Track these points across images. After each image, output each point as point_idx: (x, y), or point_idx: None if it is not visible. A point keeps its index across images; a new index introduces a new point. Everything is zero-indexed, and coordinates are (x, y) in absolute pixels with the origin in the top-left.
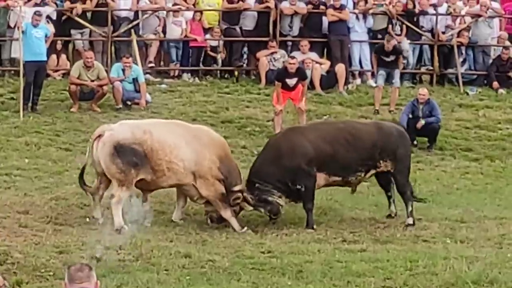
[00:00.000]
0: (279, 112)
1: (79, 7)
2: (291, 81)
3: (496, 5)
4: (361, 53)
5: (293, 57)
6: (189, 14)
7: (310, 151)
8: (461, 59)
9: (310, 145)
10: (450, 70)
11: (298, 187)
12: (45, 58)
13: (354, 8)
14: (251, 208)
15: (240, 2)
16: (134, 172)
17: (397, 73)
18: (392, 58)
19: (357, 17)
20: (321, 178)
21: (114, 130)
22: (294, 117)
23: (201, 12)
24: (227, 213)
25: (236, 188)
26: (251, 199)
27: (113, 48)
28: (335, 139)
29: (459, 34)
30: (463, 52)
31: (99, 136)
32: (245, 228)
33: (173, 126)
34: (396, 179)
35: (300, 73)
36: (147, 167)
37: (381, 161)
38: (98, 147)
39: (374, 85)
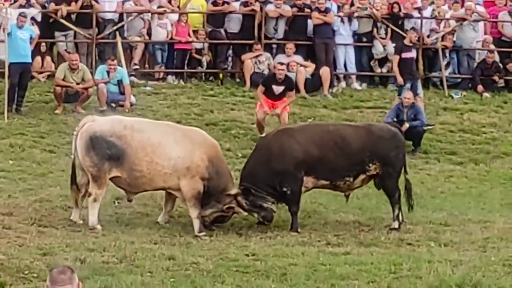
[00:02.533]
0: (261, 119)
1: (64, 9)
2: (278, 89)
3: (481, 8)
4: (346, 56)
5: (282, 63)
6: (174, 17)
7: (299, 154)
8: (445, 63)
9: (299, 148)
10: (434, 74)
11: (284, 189)
12: (30, 60)
13: (339, 11)
14: (245, 213)
15: (225, 5)
16: (107, 167)
17: (419, 83)
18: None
19: (342, 20)
20: (309, 181)
21: (95, 122)
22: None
23: (186, 14)
24: (195, 213)
25: (232, 192)
26: (246, 204)
27: (97, 50)
28: (324, 143)
29: (443, 38)
30: (448, 55)
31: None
32: (204, 233)
33: (161, 125)
34: (384, 182)
35: (288, 82)
36: (124, 164)
37: (370, 164)
38: (77, 138)
39: (359, 88)
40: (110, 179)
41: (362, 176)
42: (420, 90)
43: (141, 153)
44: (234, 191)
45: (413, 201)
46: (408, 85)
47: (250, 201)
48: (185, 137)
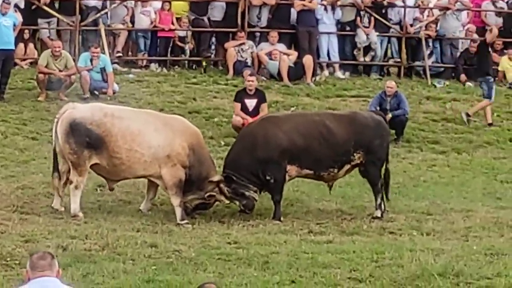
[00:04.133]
0: (237, 125)
1: None
2: (251, 102)
3: None
4: (329, 45)
5: (252, 75)
6: (158, 4)
7: (284, 142)
8: (428, 52)
9: (284, 136)
10: (417, 63)
11: (268, 178)
12: (13, 47)
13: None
14: (227, 201)
15: None
16: (86, 154)
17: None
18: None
19: (325, 9)
20: (292, 170)
21: (75, 109)
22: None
23: (169, 2)
24: (177, 201)
25: (215, 179)
26: (228, 191)
27: (80, 37)
28: (309, 132)
29: (427, 27)
30: (431, 44)
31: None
32: (186, 221)
33: (142, 114)
34: (367, 170)
35: (260, 95)
36: (103, 151)
37: (354, 154)
38: (58, 124)
39: (342, 77)
40: (91, 166)
41: (347, 167)
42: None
43: (121, 141)
44: (216, 178)
45: (389, 192)
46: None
47: (232, 189)
48: (166, 125)
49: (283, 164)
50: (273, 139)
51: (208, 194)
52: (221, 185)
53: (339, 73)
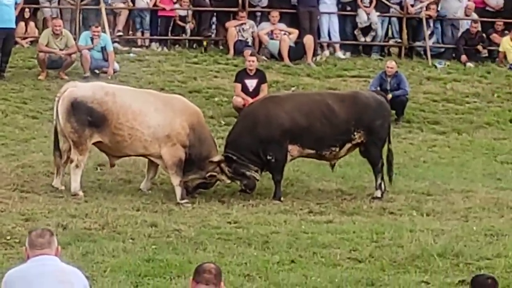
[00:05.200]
0: (238, 106)
1: None
2: (251, 83)
3: None
4: (330, 24)
5: (252, 55)
6: None
7: (285, 122)
8: (429, 32)
9: (285, 116)
10: (418, 43)
11: (269, 157)
12: (13, 26)
13: None
14: (228, 181)
15: None
16: (88, 133)
17: None
18: None
19: None
20: (294, 150)
21: (76, 87)
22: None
23: None
24: (176, 180)
25: (215, 159)
26: (229, 171)
27: (81, 16)
28: (311, 112)
29: (427, 7)
30: (432, 25)
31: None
32: (186, 200)
33: (143, 93)
34: (368, 150)
35: (260, 75)
36: (105, 129)
37: (355, 133)
38: (59, 103)
39: (342, 57)
40: (93, 143)
41: (348, 145)
42: None
43: (122, 118)
44: (217, 158)
45: (393, 173)
46: None
47: (233, 169)
48: (166, 105)
49: (285, 144)
50: (274, 119)
51: (209, 174)
52: (222, 165)
53: (339, 53)
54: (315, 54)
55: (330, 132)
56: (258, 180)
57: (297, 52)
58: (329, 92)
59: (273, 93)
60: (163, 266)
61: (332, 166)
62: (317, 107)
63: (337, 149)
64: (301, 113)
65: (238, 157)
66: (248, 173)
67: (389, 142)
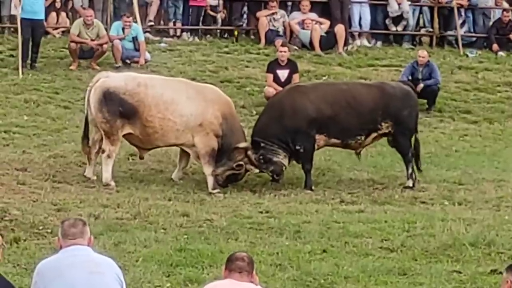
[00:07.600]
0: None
1: None
2: (283, 73)
3: None
4: (361, 14)
5: (284, 45)
6: None
7: (312, 112)
8: (460, 21)
9: (311, 106)
10: (450, 32)
11: (298, 147)
12: (41, 17)
13: None
14: (257, 170)
15: None
16: (119, 123)
17: None
18: None
19: None
20: (320, 140)
21: (108, 78)
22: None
23: None
24: (209, 170)
25: (242, 145)
26: (256, 159)
27: (112, 6)
28: (337, 101)
29: None
30: (463, 14)
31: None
32: (218, 190)
33: (175, 82)
34: (397, 140)
35: (292, 65)
36: (136, 121)
37: (382, 123)
38: (91, 93)
39: (368, 45)
40: (123, 136)
41: (373, 135)
42: None
43: (154, 110)
44: (243, 144)
45: (420, 163)
46: None
47: (260, 155)
48: (198, 94)
49: (312, 134)
50: (300, 109)
51: (236, 163)
52: (249, 152)
53: (365, 41)
54: (346, 43)
55: (355, 122)
56: (286, 166)
57: (328, 42)
58: (355, 82)
59: (299, 82)
60: (195, 256)
61: (358, 154)
62: (343, 97)
63: (363, 138)
64: (327, 102)
65: (265, 143)
66: (275, 158)
67: (416, 131)
